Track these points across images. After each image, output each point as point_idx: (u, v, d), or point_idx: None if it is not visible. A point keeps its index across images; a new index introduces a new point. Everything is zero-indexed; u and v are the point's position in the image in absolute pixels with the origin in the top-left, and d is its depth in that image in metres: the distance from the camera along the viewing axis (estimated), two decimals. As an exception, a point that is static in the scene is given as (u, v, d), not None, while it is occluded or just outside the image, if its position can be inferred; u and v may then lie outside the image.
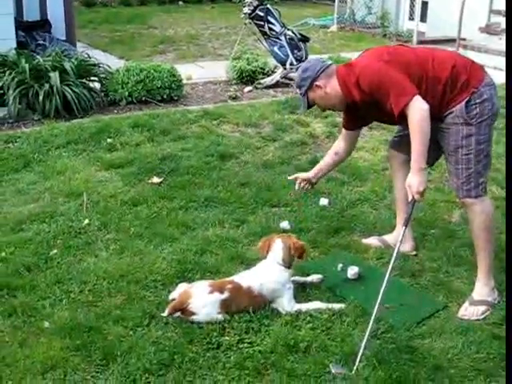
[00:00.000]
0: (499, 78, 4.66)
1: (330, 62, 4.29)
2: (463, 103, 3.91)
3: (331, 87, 4.17)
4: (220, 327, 3.70)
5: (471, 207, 4.05)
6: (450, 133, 4.00)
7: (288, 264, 4.01)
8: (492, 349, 3.57)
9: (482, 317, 3.93)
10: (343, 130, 4.56)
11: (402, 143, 4.35)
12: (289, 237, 4.14)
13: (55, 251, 4.53)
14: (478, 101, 3.91)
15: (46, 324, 3.72)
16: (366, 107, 4.14)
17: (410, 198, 3.88)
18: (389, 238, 4.69)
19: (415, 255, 4.56)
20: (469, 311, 3.97)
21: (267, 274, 3.99)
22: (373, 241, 4.74)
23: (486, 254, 4.07)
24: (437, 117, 3.92)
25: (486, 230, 4.03)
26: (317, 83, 4.18)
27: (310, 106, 4.35)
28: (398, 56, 4.07)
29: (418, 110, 3.80)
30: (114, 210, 5.17)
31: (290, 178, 4.88)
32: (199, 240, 4.72)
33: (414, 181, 3.82)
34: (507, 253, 3.03)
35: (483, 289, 4.08)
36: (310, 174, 4.70)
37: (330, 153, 4.67)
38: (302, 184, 4.72)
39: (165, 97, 8.27)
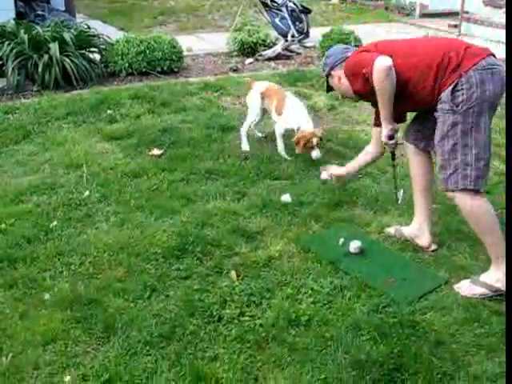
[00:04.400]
0: (503, 52, 4.59)
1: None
2: (450, 88, 3.73)
3: (344, 78, 4.22)
4: (221, 300, 3.69)
5: (460, 202, 3.86)
6: (439, 122, 3.84)
7: None
8: (493, 324, 3.55)
9: (476, 296, 3.78)
10: (373, 128, 4.51)
11: (415, 136, 4.30)
12: None
13: (55, 223, 4.51)
14: (465, 86, 3.69)
15: (47, 296, 3.71)
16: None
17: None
18: (406, 229, 4.46)
19: (433, 251, 4.33)
20: (465, 287, 3.86)
21: None
22: (391, 230, 4.54)
23: (489, 243, 3.86)
24: (433, 106, 3.85)
25: (479, 227, 3.87)
26: (333, 72, 4.33)
27: (329, 89, 4.52)
28: (384, 46, 4.04)
29: (379, 67, 3.78)
30: (114, 182, 5.14)
31: (322, 176, 5.03)
32: (200, 212, 4.69)
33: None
34: (507, 252, 2.99)
35: (492, 273, 3.83)
36: (342, 171, 4.83)
37: (362, 152, 4.69)
38: (334, 180, 4.93)
39: (165, 68, 8.24)
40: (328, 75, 4.38)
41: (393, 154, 4.39)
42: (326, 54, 4.48)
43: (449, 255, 4.26)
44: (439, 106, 3.81)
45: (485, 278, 3.83)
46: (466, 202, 3.82)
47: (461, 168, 3.75)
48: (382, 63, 3.77)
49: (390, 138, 4.17)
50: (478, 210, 3.82)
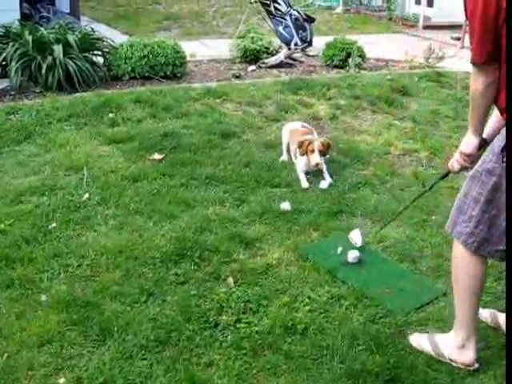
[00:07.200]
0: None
1: None
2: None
3: None
4: (218, 306, 3.69)
5: (454, 249, 3.34)
6: (487, 150, 3.16)
7: None
8: (489, 338, 3.54)
9: (420, 350, 3.43)
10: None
11: None
12: None
13: (54, 225, 4.51)
14: None
15: (44, 297, 3.71)
16: None
17: None
18: None
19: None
20: (418, 340, 3.47)
21: None
22: None
23: (459, 306, 3.35)
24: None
25: (456, 283, 3.33)
26: None
27: None
28: None
29: (474, 84, 2.96)
30: (114, 186, 5.14)
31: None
32: (199, 218, 4.69)
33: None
34: (507, 254, 2.98)
35: (449, 338, 3.40)
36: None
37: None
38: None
39: (168, 73, 8.24)
40: None
41: (447, 174, 3.66)
42: None
43: (447, 267, 4.22)
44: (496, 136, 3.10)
45: (440, 339, 3.45)
46: (457, 253, 3.31)
47: (473, 223, 3.18)
48: (479, 83, 2.93)
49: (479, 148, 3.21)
50: (464, 266, 3.28)
